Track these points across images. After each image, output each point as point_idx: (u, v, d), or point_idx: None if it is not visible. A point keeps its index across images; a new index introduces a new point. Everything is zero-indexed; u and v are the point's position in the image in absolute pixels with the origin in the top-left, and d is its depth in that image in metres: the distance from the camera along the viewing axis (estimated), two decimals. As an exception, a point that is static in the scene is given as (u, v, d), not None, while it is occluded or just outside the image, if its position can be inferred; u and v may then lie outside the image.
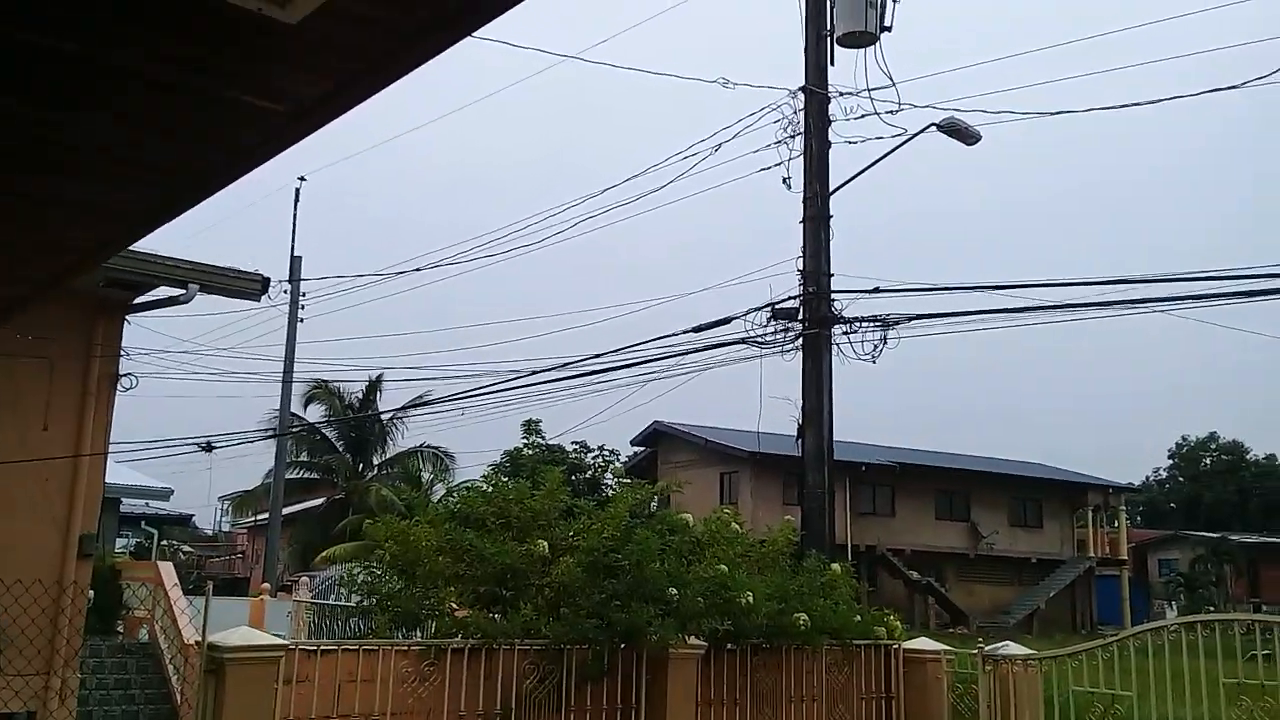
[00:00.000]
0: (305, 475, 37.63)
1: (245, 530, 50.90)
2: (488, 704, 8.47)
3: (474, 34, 3.25)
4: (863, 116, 16.37)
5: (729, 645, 9.80)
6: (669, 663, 9.19)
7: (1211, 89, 14.35)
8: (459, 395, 18.40)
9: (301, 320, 30.86)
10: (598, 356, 16.87)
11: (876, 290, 15.95)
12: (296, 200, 31.54)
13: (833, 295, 16.09)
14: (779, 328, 16.08)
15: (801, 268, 16.11)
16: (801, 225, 16.22)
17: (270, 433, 29.78)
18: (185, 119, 3.58)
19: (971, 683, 10.31)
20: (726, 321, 16.10)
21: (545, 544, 9.35)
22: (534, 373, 17.56)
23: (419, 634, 9.26)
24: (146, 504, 29.27)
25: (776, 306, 16.06)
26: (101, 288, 9.88)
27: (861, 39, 16.28)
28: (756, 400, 16.51)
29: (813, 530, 15.27)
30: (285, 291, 29.92)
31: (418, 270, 21.37)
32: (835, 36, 16.43)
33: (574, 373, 17.29)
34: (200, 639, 7.51)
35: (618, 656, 9.11)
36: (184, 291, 10.24)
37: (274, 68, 3.28)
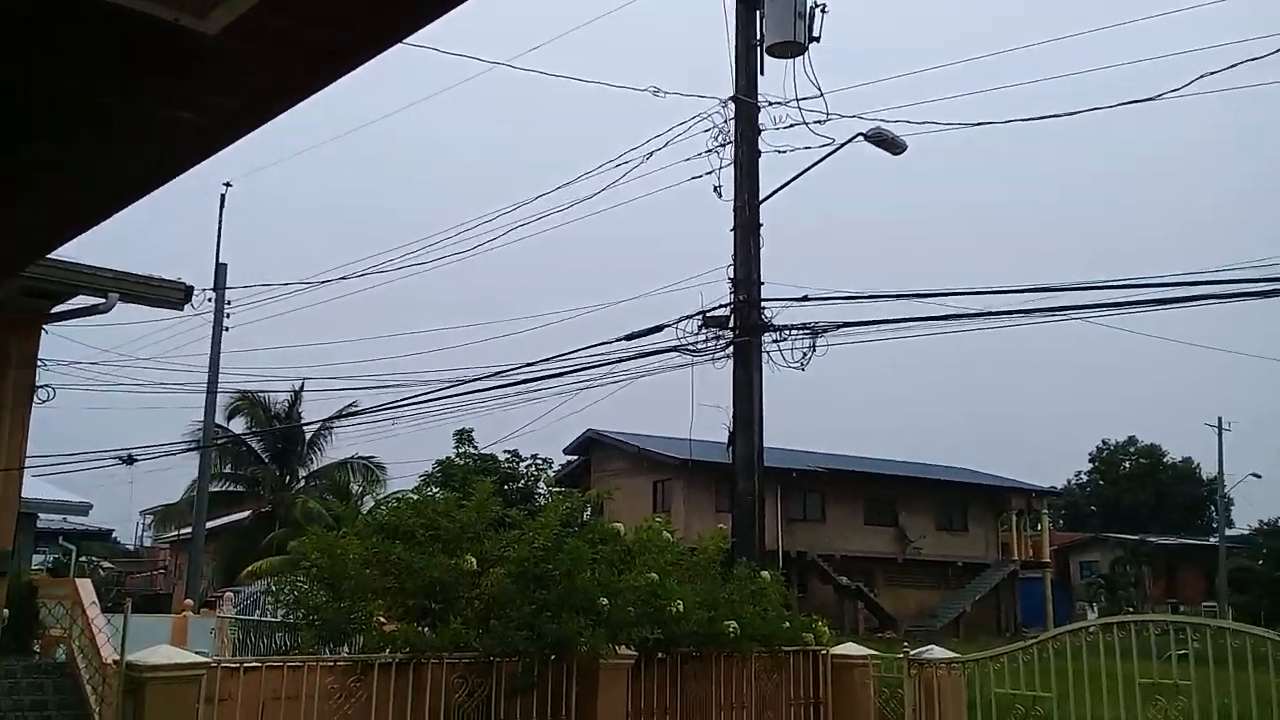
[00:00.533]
0: (230, 488, 36.89)
1: (168, 545, 49.71)
2: (416, 719, 8.39)
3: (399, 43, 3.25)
4: (791, 126, 16.59)
5: (659, 654, 9.83)
6: (599, 673, 9.19)
7: (1130, 100, 14.78)
8: (389, 405, 18.28)
9: (227, 329, 30.28)
10: (530, 365, 16.87)
11: (805, 298, 16.17)
12: (222, 206, 30.89)
13: (763, 303, 16.25)
14: (710, 335, 16.21)
15: (732, 275, 16.25)
16: (732, 233, 16.37)
17: (194, 445, 29.17)
18: (105, 130, 3.52)
19: (898, 687, 10.46)
20: (659, 329, 16.21)
21: (473, 559, 9.28)
22: (465, 381, 17.50)
23: (346, 649, 9.14)
24: (64, 519, 28.48)
25: (708, 314, 16.18)
26: (18, 297, 9.62)
27: (791, 49, 16.47)
28: (689, 408, 16.63)
29: (743, 537, 15.38)
30: (210, 300, 29.35)
31: (343, 279, 21.16)
32: (765, 46, 16.61)
33: (506, 381, 17.27)
34: (119, 658, 7.33)
35: (548, 668, 9.08)
36: (104, 300, 10.01)
37: (193, 80, 3.24)
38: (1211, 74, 12.70)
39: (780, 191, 16.71)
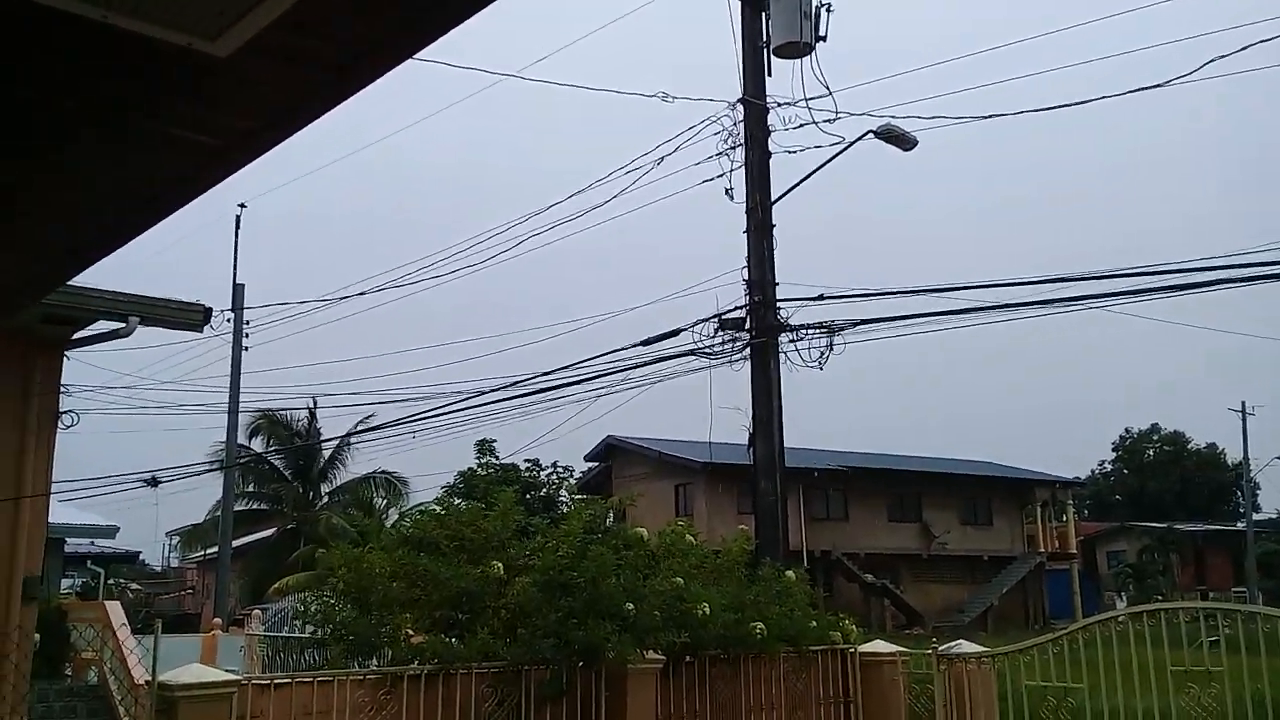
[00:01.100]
0: (255, 506, 37.06)
1: (195, 565, 50.00)
2: (447, 729, 8.42)
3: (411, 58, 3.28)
4: (801, 126, 16.60)
5: (687, 657, 9.82)
6: (628, 678, 9.19)
7: (1136, 89, 14.75)
8: (409, 418, 18.33)
9: (246, 349, 30.47)
10: (548, 374, 16.90)
11: (821, 297, 16.14)
12: (237, 228, 31.12)
13: (778, 303, 16.24)
14: (727, 338, 16.21)
15: (747, 277, 16.25)
16: (745, 235, 16.37)
17: (217, 465, 29.32)
18: (122, 155, 3.56)
19: (928, 683, 10.42)
20: (675, 334, 16.21)
21: (500, 565, 9.31)
22: (484, 392, 17.54)
23: (375, 662, 9.17)
24: (92, 542, 28.71)
25: (723, 317, 16.18)
26: (39, 324, 9.70)
27: (798, 49, 16.49)
28: (708, 411, 16.62)
29: (767, 538, 15.35)
30: (229, 320, 29.54)
31: (361, 294, 21.25)
32: (772, 48, 16.63)
33: (525, 390, 17.30)
34: (150, 678, 7.38)
35: (576, 675, 9.09)
36: (124, 325, 10.06)
37: (207, 102, 3.28)
38: (1222, 57, 12.65)
39: (792, 192, 16.73)
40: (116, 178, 3.75)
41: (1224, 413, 56.00)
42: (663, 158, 16.82)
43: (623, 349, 16.17)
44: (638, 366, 16.50)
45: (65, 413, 10.57)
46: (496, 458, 29.58)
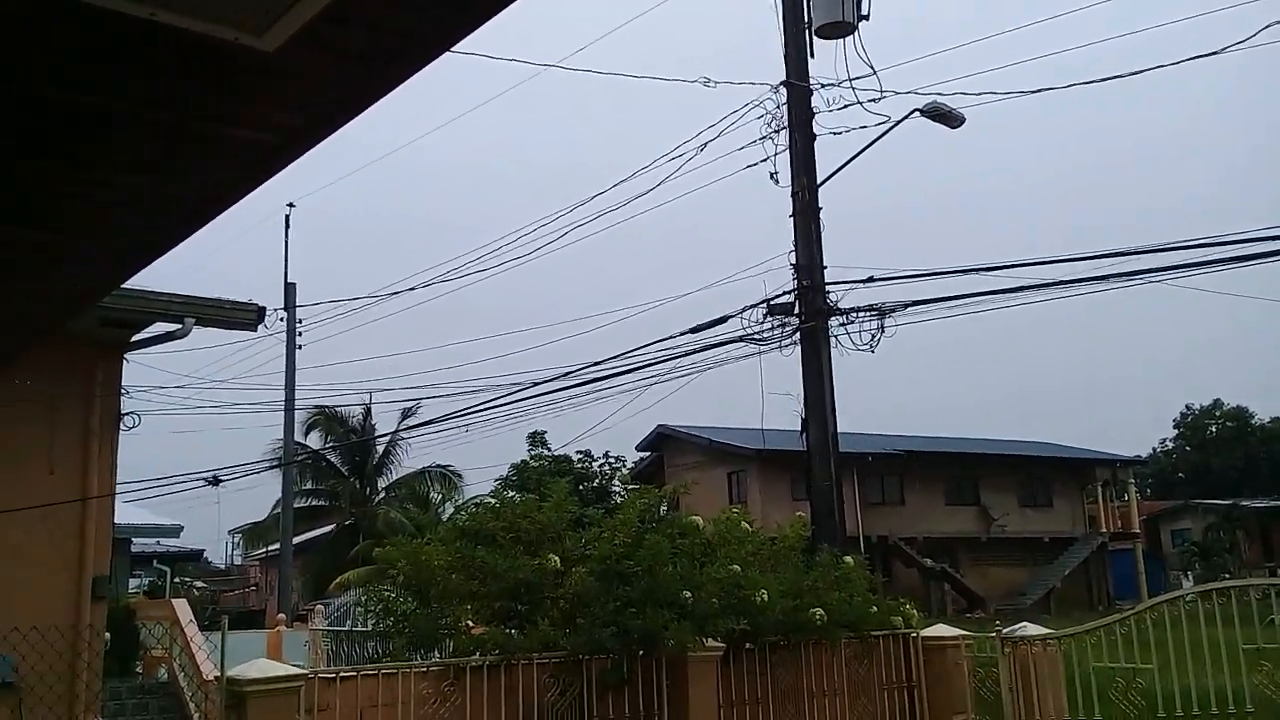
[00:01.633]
0: (313, 503, 37.60)
1: (258, 562, 50.83)
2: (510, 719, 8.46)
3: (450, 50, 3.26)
4: (845, 107, 16.40)
5: (747, 644, 9.79)
6: (688, 666, 9.18)
7: (1190, 57, 14.38)
8: (461, 411, 18.41)
9: (300, 347, 30.85)
10: (598, 364, 16.88)
11: (871, 280, 15.96)
12: (287, 227, 31.53)
13: (827, 287, 16.10)
14: (776, 323, 16.10)
15: (794, 261, 16.13)
16: (791, 219, 16.24)
17: (275, 462, 29.74)
18: (172, 155, 3.58)
19: (992, 666, 10.30)
20: (724, 320, 16.12)
21: (556, 558, 9.34)
22: (536, 384, 17.57)
23: (437, 654, 9.25)
24: (157, 542, 29.26)
25: (772, 302, 16.07)
26: (98, 328, 9.87)
27: (840, 29, 16.29)
28: (760, 398, 16.53)
29: (823, 524, 15.25)
30: (282, 319, 29.93)
31: (411, 289, 21.38)
32: (814, 28, 16.45)
33: (575, 381, 17.31)
34: (219, 674, 7.50)
35: (636, 663, 9.10)
36: (180, 326, 10.20)
37: (255, 98, 3.28)
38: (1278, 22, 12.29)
39: (839, 174, 16.55)
40: (166, 178, 3.78)
41: (1289, 386, 54.66)
42: (705, 144, 16.73)
43: (672, 337, 16.12)
44: (687, 354, 16.43)
45: (127, 414, 10.75)
46: (549, 449, 29.83)
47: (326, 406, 35.82)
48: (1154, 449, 78.07)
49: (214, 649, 10.08)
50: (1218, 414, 77.78)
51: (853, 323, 15.90)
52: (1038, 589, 41.20)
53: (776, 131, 16.44)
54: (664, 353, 16.39)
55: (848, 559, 11.53)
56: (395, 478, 37.24)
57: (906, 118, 16.29)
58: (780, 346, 16.15)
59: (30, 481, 9.68)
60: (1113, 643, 9.40)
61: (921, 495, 41.63)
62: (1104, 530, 44.75)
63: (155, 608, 16.58)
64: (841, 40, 16.41)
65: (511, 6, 2.99)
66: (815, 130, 16.36)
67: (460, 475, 36.42)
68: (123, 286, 7.96)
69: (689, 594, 9.19)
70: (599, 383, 17.15)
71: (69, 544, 9.85)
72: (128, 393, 10.98)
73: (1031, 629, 10.48)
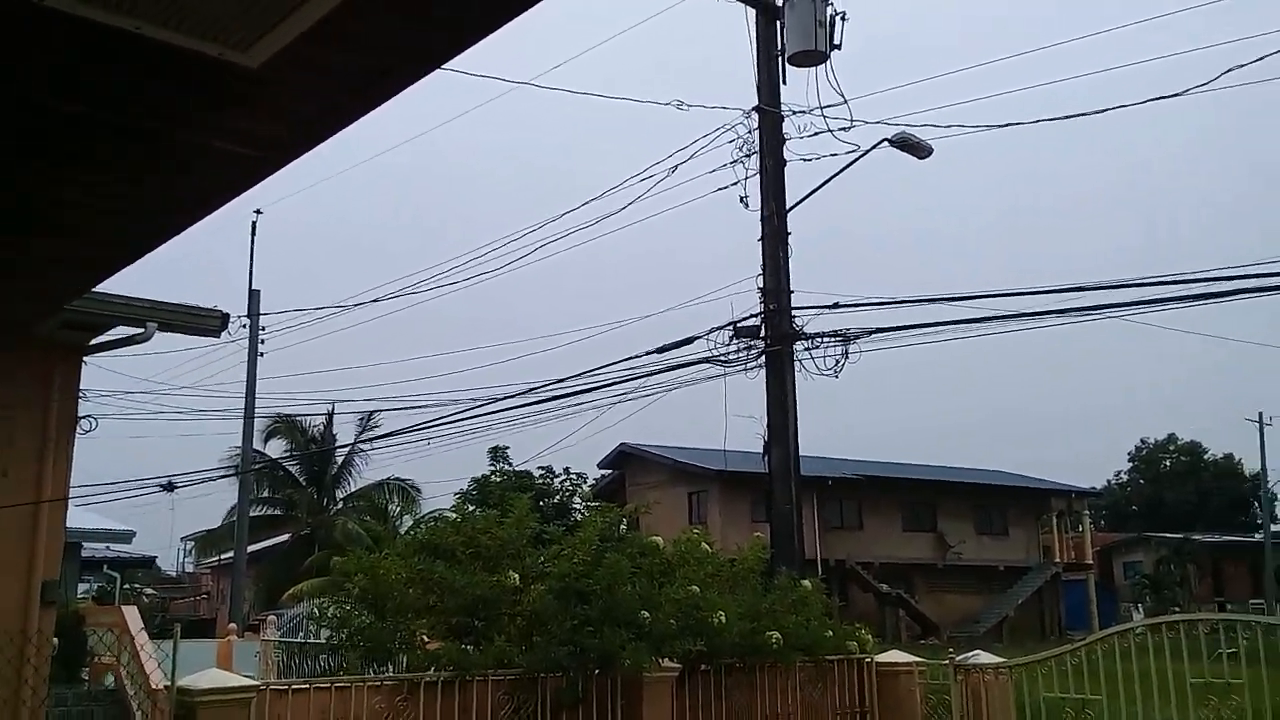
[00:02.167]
0: (269, 512, 37.17)
1: (210, 570, 50.16)
2: (463, 736, 8.43)
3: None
4: (816, 134, 16.60)
5: (703, 666, 9.82)
6: (643, 686, 9.19)
7: (1156, 97, 14.68)
8: (423, 425, 18.34)
9: (262, 355, 30.60)
10: (561, 381, 16.89)
11: (836, 305, 16.11)
12: (253, 235, 31.28)
13: (793, 311, 16.23)
14: (741, 345, 16.19)
15: (761, 285, 16.25)
16: (760, 243, 16.37)
17: (232, 470, 29.43)
18: (153, 164, 3.59)
19: (944, 693, 10.38)
20: (690, 341, 16.19)
21: (515, 575, 9.33)
22: (497, 399, 17.55)
23: (391, 668, 9.19)
24: (108, 547, 28.81)
25: (738, 325, 16.17)
26: (58, 330, 9.76)
27: (812, 58, 16.48)
28: (723, 419, 16.61)
29: (782, 547, 15.32)
30: (245, 326, 29.67)
31: (375, 301, 21.32)
32: (787, 56, 16.63)
33: (538, 398, 17.30)
34: (169, 683, 7.42)
35: (592, 682, 9.10)
36: (142, 330, 10.09)
37: (238, 112, 3.31)
38: (1240, 67, 12.61)
39: (808, 199, 16.72)
40: (145, 186, 3.79)
41: (1241, 423, 55.66)
42: (677, 165, 16.86)
43: (637, 356, 16.17)
44: (652, 374, 16.49)
45: (84, 418, 10.61)
46: (510, 464, 29.71)
47: (286, 415, 35.53)
48: (1109, 481, 79.09)
49: (164, 657, 9.96)
50: (1172, 448, 78.95)
51: (818, 348, 16.04)
52: (991, 617, 41.54)
53: (748, 156, 16.60)
54: (629, 372, 16.45)
55: (805, 583, 11.60)
56: (354, 489, 36.94)
57: (875, 147, 16.51)
58: (745, 369, 16.25)
59: (-18, 483, 9.53)
60: (1063, 673, 9.51)
61: (879, 520, 41.91)
62: (1058, 560, 45.24)
63: (104, 614, 16.31)
64: (814, 68, 16.62)
65: (497, 30, 3.04)
66: (786, 156, 16.54)
67: (419, 489, 36.19)
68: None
69: (647, 614, 9.20)
70: (562, 400, 17.17)
71: (19, 548, 9.69)
72: (85, 396, 10.86)
73: (984, 657, 10.58)
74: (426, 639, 9.43)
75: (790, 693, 10.43)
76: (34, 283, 4.71)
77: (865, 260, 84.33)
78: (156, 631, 17.28)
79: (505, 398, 17.42)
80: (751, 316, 16.28)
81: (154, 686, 12.30)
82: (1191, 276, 13.27)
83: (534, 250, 18.83)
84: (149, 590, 44.72)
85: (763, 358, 16.04)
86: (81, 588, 27.29)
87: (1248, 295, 12.78)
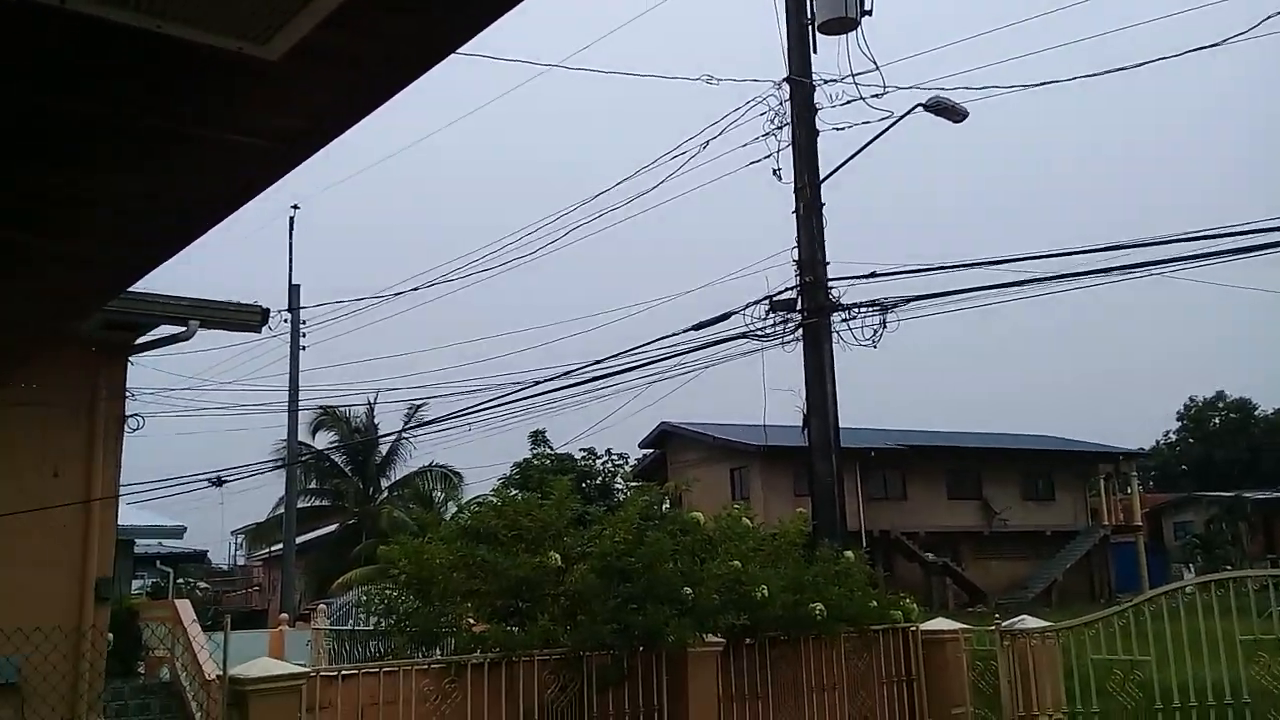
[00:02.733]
0: (317, 503, 37.67)
1: (261, 563, 50.92)
2: (510, 717, 8.52)
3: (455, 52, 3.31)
4: (848, 102, 16.42)
5: (747, 640, 9.85)
6: (688, 661, 9.24)
7: (1193, 48, 14.38)
8: (463, 411, 18.45)
9: (304, 348, 30.91)
10: (599, 362, 16.92)
11: (873, 275, 15.97)
12: (291, 229, 31.61)
13: (829, 283, 16.13)
14: (778, 319, 16.13)
15: (797, 258, 16.16)
16: (794, 215, 16.27)
17: (279, 463, 29.82)
18: (175, 161, 3.63)
19: (991, 659, 10.35)
20: (726, 317, 16.13)
21: (556, 556, 9.39)
22: (537, 383, 17.61)
23: (438, 652, 9.30)
24: (160, 543, 29.31)
25: (774, 298, 16.09)
26: (103, 331, 9.93)
27: (843, 25, 16.31)
28: (762, 394, 16.57)
29: (824, 519, 15.30)
30: (286, 320, 29.99)
31: (414, 290, 21.45)
32: (817, 24, 16.47)
33: (577, 380, 17.35)
34: (221, 673, 7.56)
35: (637, 659, 9.16)
36: (184, 329, 10.26)
37: (259, 105, 3.34)
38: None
39: (841, 169, 16.57)
40: (171, 185, 3.83)
41: (1291, 378, 54.65)
42: (708, 141, 16.78)
43: (674, 334, 16.15)
44: (689, 351, 16.45)
45: (131, 416, 10.81)
46: (551, 448, 29.80)
47: (332, 406, 35.93)
48: (1157, 441, 78.07)
49: (216, 649, 10.14)
50: (1221, 406, 77.77)
51: (855, 318, 15.93)
52: (1039, 582, 41.25)
53: (779, 128, 16.48)
54: (667, 350, 16.43)
55: (848, 554, 11.59)
56: (398, 478, 37.32)
57: (909, 113, 16.30)
58: (783, 343, 16.18)
59: (34, 484, 9.74)
60: (1111, 635, 9.46)
61: (924, 490, 41.68)
62: (1106, 523, 44.79)
63: (158, 609, 16.66)
64: (845, 35, 16.43)
65: (512, 9, 3.04)
66: (818, 126, 16.40)
67: (460, 475, 36.50)
68: (128, 290, 8.03)
69: (690, 590, 9.24)
70: (602, 380, 17.20)
71: (72, 546, 9.91)
72: (132, 395, 11.05)
73: (1030, 622, 10.54)
74: (472, 622, 9.54)
75: (835, 663, 10.44)
76: (63, 283, 4.80)
77: (902, 229, 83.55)
78: (209, 624, 17.60)
79: (544, 381, 17.48)
80: (787, 290, 16.20)
81: (207, 677, 12.55)
82: (1232, 230, 13.03)
83: (566, 233, 18.85)
84: (202, 584, 45.51)
85: (800, 331, 15.98)
86: (135, 584, 27.82)
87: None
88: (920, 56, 18.19)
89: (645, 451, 42.63)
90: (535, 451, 28.19)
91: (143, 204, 3.95)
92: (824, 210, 16.23)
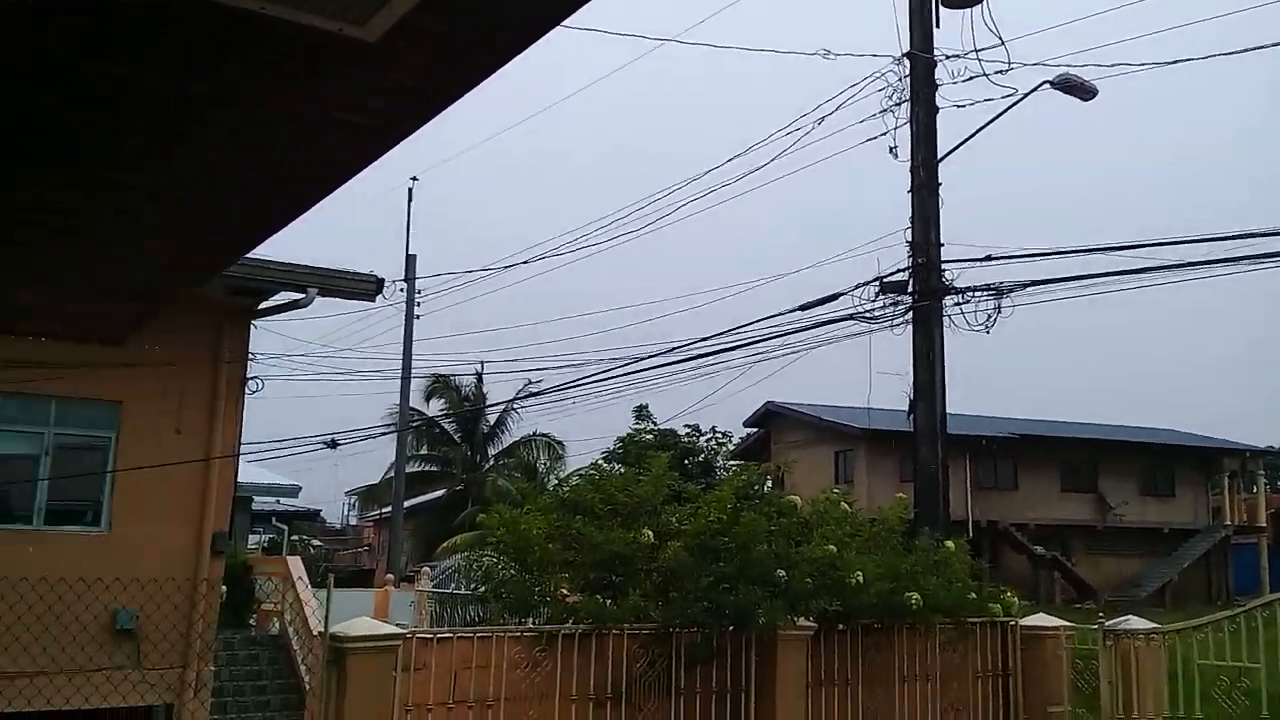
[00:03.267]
0: (426, 469, 38.55)
1: (371, 523, 52.38)
2: (598, 688, 8.64)
3: (561, 26, 3.34)
4: (971, 79, 15.99)
5: (839, 625, 9.78)
6: (778, 644, 9.23)
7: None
8: (571, 383, 18.68)
9: (418, 317, 31.58)
10: (704, 339, 16.92)
11: (989, 258, 15.57)
12: (410, 200, 32.23)
13: (943, 265, 15.80)
14: (888, 301, 15.87)
15: (910, 239, 15.86)
16: (909, 195, 15.97)
17: (390, 427, 30.60)
18: (280, 139, 3.76)
19: (1093, 658, 10.09)
20: (834, 298, 15.94)
21: (650, 533, 9.45)
22: (640, 359, 17.70)
23: (531, 620, 9.48)
24: (277, 501, 30.45)
25: (885, 280, 15.83)
26: (227, 296, 10.34)
27: (968, -2, 15.85)
28: (867, 377, 16.34)
29: (926, 507, 15.08)
30: (401, 290, 30.67)
31: (525, 263, 21.74)
32: (940, -2, 16.05)
33: (683, 356, 17.38)
34: (323, 629, 7.84)
35: (726, 639, 9.18)
36: (304, 295, 10.62)
37: (358, 85, 3.43)
38: None
39: (961, 148, 16.16)
40: (280, 160, 3.97)
41: None
42: (823, 117, 16.53)
43: (781, 314, 16.03)
44: (796, 331, 16.31)
45: (251, 379, 11.25)
46: (654, 423, 30.01)
47: (443, 375, 36.69)
48: (1288, 439, 74.43)
49: (322, 605, 10.52)
50: (1359, 404, 73.79)
51: (968, 302, 15.57)
52: (1153, 581, 39.87)
53: (897, 104, 16.17)
54: (772, 330, 16.32)
55: (948, 543, 11.40)
56: (503, 446, 37.96)
57: (1035, 90, 15.78)
58: (891, 325, 15.92)
59: (159, 441, 10.22)
60: (1220, 640, 9.12)
61: (1036, 481, 40.58)
62: (1229, 523, 42.99)
63: (271, 564, 17.28)
64: (968, 10, 15.96)
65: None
66: (938, 103, 16.02)
67: (562, 444, 36.92)
68: (251, 257, 8.34)
69: (783, 573, 9.21)
70: (707, 358, 17.19)
71: (192, 501, 10.38)
72: (254, 358, 11.49)
73: (1136, 622, 10.22)
74: (566, 592, 9.68)
75: (929, 654, 10.30)
76: (181, 250, 5.02)
77: (1035, 213, 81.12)
78: (319, 581, 18.24)
79: (647, 357, 17.57)
80: (899, 271, 15.92)
81: (312, 632, 13.02)
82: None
83: (677, 209, 18.86)
84: (314, 542, 47.06)
85: (909, 313, 15.70)
86: (251, 539, 28.96)
87: None
88: (1047, 32, 17.48)
89: (749, 430, 42.47)
90: (638, 427, 28.37)
91: (251, 177, 4.11)
92: (941, 190, 15.89)
